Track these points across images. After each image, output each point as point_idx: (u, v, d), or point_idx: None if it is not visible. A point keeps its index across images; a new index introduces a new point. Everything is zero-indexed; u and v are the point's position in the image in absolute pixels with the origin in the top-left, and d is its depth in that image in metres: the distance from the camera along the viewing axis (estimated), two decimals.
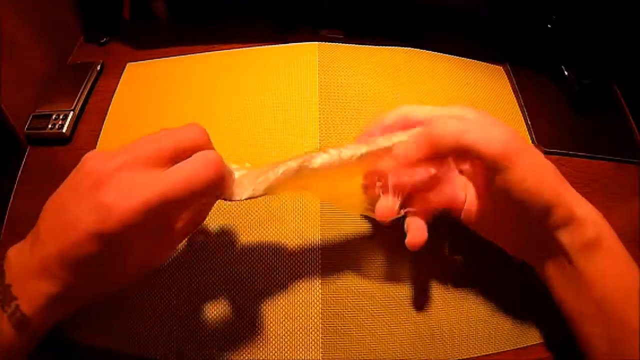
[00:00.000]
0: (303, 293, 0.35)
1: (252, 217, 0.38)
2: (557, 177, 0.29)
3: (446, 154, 0.29)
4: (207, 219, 0.37)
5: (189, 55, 0.49)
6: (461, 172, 0.33)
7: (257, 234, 0.37)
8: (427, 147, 0.28)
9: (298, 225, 0.37)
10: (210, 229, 0.37)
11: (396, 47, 0.48)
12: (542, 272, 0.31)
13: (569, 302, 0.30)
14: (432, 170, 0.31)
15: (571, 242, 0.28)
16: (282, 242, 0.37)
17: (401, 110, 0.32)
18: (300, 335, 0.34)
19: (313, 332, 0.34)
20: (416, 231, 0.31)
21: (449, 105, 0.33)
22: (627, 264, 0.28)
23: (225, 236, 0.37)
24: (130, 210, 0.23)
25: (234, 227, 0.37)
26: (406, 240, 0.31)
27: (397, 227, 0.38)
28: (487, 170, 0.28)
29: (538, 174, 0.27)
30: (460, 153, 0.28)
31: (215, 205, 0.38)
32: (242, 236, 0.37)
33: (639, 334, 0.26)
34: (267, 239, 0.37)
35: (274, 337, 0.34)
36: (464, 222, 0.33)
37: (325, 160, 0.29)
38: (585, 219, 0.28)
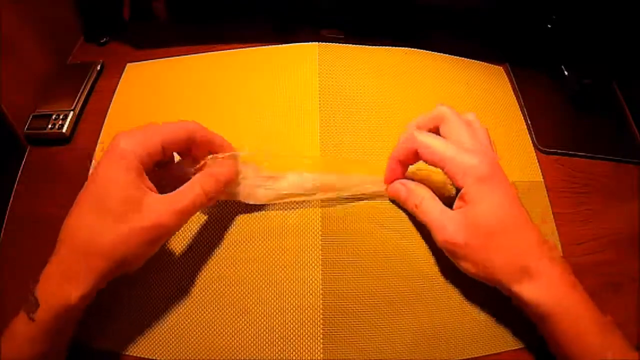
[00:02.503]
0: (303, 292, 0.35)
1: (252, 216, 0.38)
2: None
3: None
4: (206, 221, 0.37)
5: (189, 55, 0.49)
6: None
7: (257, 233, 0.37)
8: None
9: (298, 224, 0.37)
10: (210, 230, 0.37)
11: (396, 47, 0.48)
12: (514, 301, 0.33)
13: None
14: None
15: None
16: (282, 241, 0.37)
17: (437, 112, 0.36)
18: (301, 334, 0.34)
19: (314, 332, 0.34)
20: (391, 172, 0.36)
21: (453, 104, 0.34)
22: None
23: (226, 238, 0.37)
24: None
25: (234, 228, 0.38)
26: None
27: (398, 227, 0.38)
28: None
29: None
30: None
31: (214, 208, 0.38)
32: (242, 237, 0.37)
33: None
34: (267, 239, 0.37)
35: (274, 336, 0.34)
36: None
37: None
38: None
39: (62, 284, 0.27)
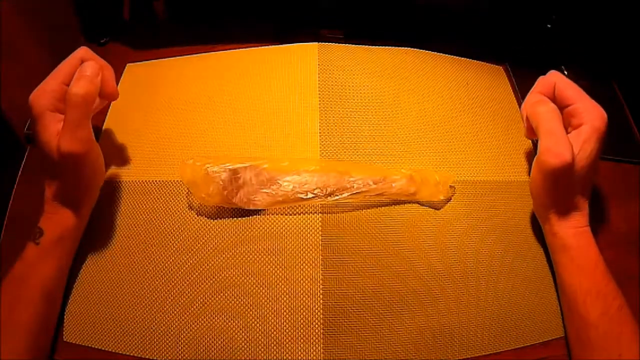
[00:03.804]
0: (304, 291, 0.35)
1: (253, 219, 0.38)
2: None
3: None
4: (206, 222, 0.37)
5: (188, 55, 0.49)
6: None
7: (258, 235, 0.37)
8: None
9: (298, 224, 0.37)
10: (210, 233, 0.37)
11: (396, 47, 0.48)
12: (545, 234, 0.38)
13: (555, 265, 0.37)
14: None
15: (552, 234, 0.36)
16: (283, 242, 0.37)
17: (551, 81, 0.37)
18: (302, 334, 0.34)
19: (314, 331, 0.34)
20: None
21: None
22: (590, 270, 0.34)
23: (226, 240, 0.37)
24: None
25: (234, 231, 0.38)
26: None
27: (398, 228, 0.38)
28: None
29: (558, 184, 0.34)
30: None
31: (214, 209, 0.38)
32: (242, 239, 0.37)
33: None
34: (267, 240, 0.37)
35: (274, 336, 0.34)
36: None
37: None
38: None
39: (54, 214, 0.34)
